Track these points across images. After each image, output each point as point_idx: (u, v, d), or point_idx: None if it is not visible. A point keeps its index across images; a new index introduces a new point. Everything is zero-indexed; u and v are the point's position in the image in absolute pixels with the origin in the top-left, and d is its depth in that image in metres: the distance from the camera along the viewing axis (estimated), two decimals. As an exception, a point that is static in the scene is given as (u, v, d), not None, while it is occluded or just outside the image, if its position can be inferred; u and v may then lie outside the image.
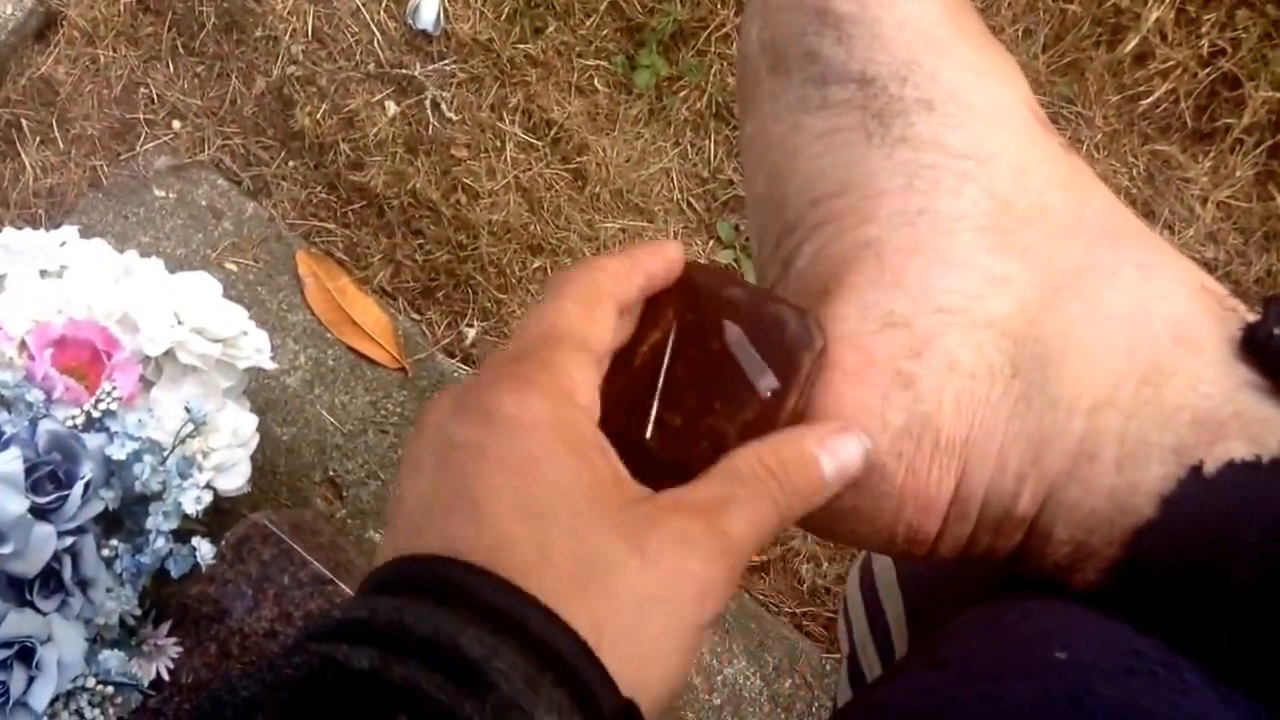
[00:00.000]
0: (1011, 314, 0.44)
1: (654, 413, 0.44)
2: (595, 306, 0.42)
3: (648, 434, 0.44)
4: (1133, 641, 0.41)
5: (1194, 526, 0.41)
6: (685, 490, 0.39)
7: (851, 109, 0.47)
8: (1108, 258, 0.45)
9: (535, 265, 1.52)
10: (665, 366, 0.44)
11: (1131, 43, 1.56)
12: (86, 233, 1.23)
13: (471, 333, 1.50)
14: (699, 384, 0.44)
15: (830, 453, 0.42)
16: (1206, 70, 1.57)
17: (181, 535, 1.04)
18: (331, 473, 1.40)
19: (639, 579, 0.35)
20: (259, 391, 1.39)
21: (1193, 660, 0.40)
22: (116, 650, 1.01)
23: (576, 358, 0.40)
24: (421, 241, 1.53)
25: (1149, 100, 1.57)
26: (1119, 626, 0.42)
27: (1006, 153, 0.46)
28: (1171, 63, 1.56)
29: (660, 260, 0.45)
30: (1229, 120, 1.57)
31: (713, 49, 1.58)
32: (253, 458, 1.18)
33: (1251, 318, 0.44)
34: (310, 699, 0.31)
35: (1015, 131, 0.47)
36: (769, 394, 0.43)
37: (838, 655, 1.41)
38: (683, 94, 1.58)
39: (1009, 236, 0.45)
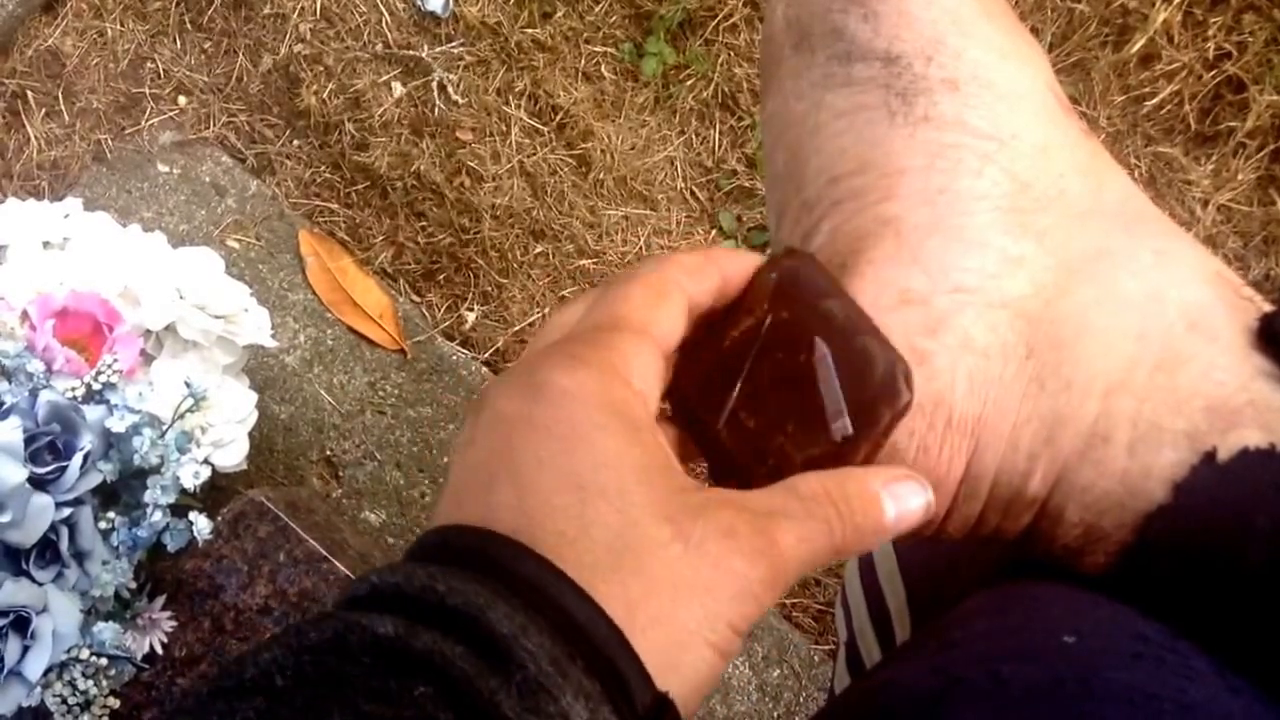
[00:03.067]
0: (1027, 295, 0.44)
1: (731, 404, 0.43)
2: (663, 297, 0.41)
3: (720, 422, 0.43)
4: (1140, 627, 0.41)
5: (1206, 513, 0.41)
6: (742, 494, 0.38)
7: (875, 87, 0.47)
8: (1124, 243, 0.45)
9: (537, 250, 1.52)
10: (751, 359, 0.43)
11: (1138, 44, 1.56)
12: (90, 206, 1.23)
13: (471, 316, 1.50)
14: (778, 393, 0.42)
15: (894, 496, 0.40)
16: (1212, 73, 1.57)
17: (178, 510, 1.04)
18: (328, 452, 1.40)
19: (679, 564, 0.34)
20: (258, 369, 1.39)
21: (1200, 647, 0.40)
22: (111, 623, 1.00)
23: (635, 343, 0.39)
24: (424, 224, 1.52)
25: (1153, 102, 1.57)
26: (1127, 611, 0.42)
27: (1028, 134, 0.46)
28: (1177, 65, 1.56)
29: (739, 265, 0.44)
30: (1232, 124, 1.57)
31: (720, 39, 1.57)
32: (250, 435, 1.18)
33: (1268, 307, 0.44)
34: (331, 663, 0.31)
35: (1037, 113, 0.47)
36: (840, 439, 0.41)
37: (826, 647, 1.41)
38: (689, 83, 1.58)
39: (1027, 218, 0.45)
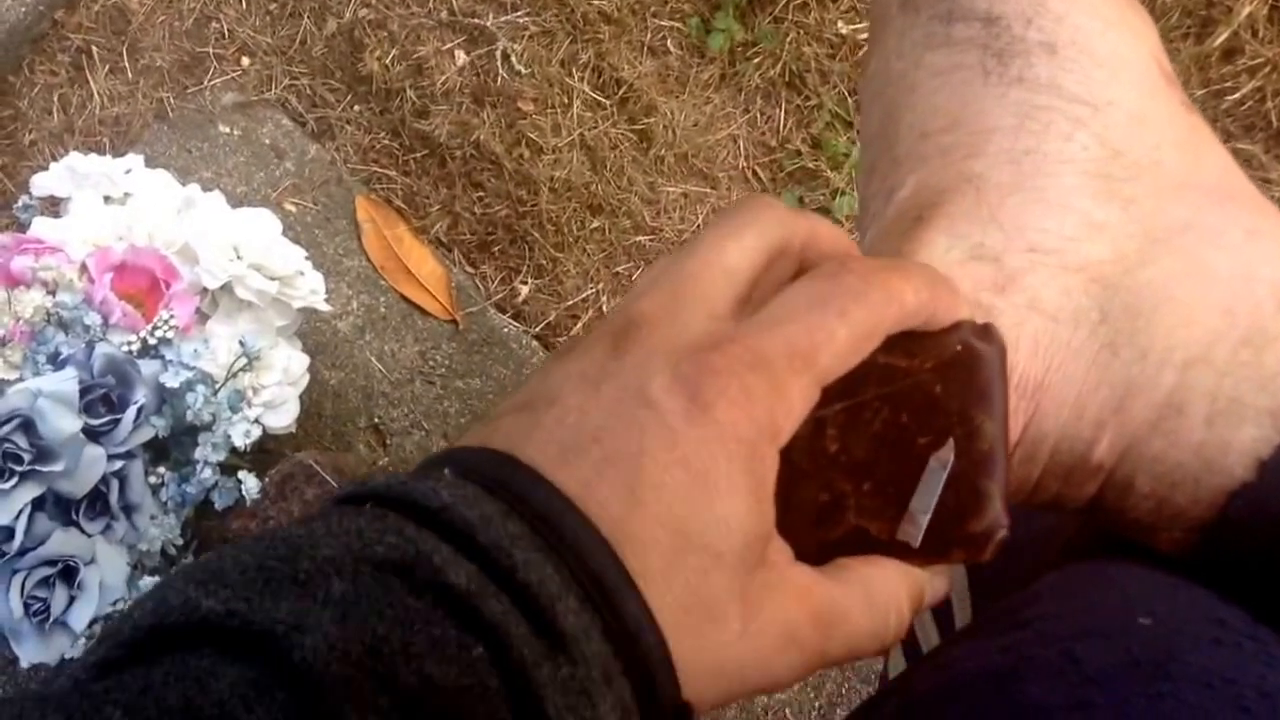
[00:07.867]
0: (1106, 260, 0.43)
1: (829, 415, 0.40)
2: (847, 336, 0.38)
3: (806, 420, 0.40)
4: (1219, 611, 0.39)
5: None
6: (818, 580, 0.38)
7: (973, 47, 0.47)
8: (1216, 219, 0.44)
9: (594, 225, 1.51)
10: (874, 393, 0.40)
11: (1221, 37, 1.52)
12: (150, 164, 1.23)
13: (525, 289, 1.49)
14: (877, 447, 0.40)
15: (934, 590, 0.41)
16: (1295, 70, 1.53)
17: (227, 469, 1.04)
18: (376, 420, 1.40)
19: (729, 649, 0.35)
20: (310, 334, 1.39)
21: None
22: (156, 577, 1.01)
23: (809, 392, 0.37)
24: (481, 194, 1.52)
25: (1234, 97, 1.54)
26: (1205, 595, 0.40)
27: (1124, 102, 0.45)
28: (1260, 60, 1.53)
29: (942, 308, 0.40)
30: (1314, 122, 1.53)
31: (790, 17, 1.55)
32: (300, 399, 1.18)
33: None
34: (395, 586, 0.30)
35: (1136, 83, 0.46)
36: (906, 543, 0.40)
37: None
38: (756, 61, 1.56)
39: (1114, 185, 0.44)
